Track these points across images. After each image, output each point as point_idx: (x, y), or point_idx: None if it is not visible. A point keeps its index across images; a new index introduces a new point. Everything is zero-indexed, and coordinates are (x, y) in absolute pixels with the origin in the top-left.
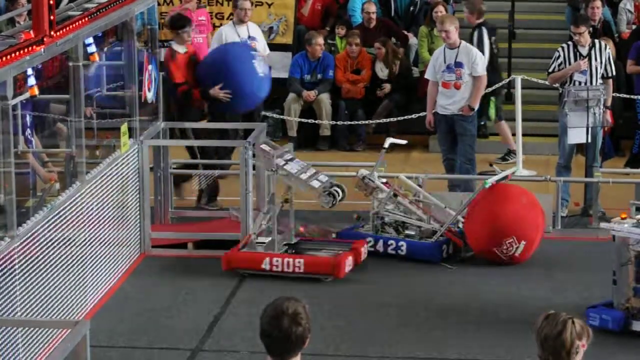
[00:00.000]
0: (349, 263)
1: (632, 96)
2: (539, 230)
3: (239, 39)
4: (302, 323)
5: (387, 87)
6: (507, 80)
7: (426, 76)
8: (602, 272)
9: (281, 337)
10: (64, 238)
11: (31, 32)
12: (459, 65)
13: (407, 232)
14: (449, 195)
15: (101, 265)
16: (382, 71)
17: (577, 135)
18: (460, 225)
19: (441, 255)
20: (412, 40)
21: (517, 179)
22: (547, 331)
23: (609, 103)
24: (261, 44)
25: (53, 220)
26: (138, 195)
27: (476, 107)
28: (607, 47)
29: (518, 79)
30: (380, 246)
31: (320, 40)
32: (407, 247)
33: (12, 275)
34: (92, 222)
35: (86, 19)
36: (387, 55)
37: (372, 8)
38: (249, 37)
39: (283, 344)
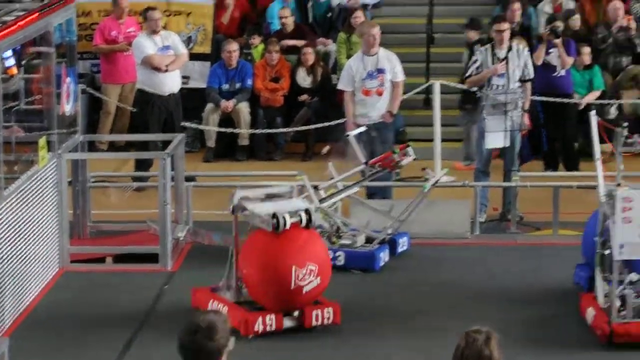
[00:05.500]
0: None
1: (555, 99)
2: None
3: (155, 47)
4: (216, 338)
5: (305, 96)
6: (425, 85)
7: (341, 87)
8: (521, 277)
9: (195, 351)
10: None
11: None
12: (381, 71)
13: (341, 241)
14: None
15: (19, 281)
16: (304, 80)
17: (495, 140)
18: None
19: (379, 263)
20: (331, 46)
21: (436, 186)
22: (467, 352)
23: (527, 106)
24: (177, 52)
25: None
26: (57, 210)
27: (396, 112)
28: (525, 49)
29: (437, 84)
30: None
31: (232, 47)
32: (344, 256)
33: None
34: (11, 238)
35: (4, 31)
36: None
37: (286, 13)
38: (164, 46)
39: (198, 357)
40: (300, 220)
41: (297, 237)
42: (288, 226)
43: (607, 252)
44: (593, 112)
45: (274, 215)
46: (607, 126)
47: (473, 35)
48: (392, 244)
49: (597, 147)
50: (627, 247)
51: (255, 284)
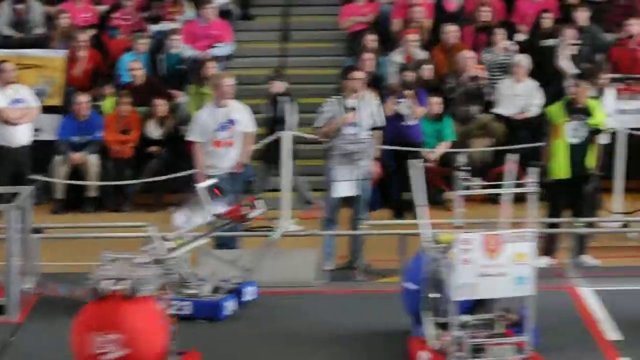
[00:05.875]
0: None
1: (404, 148)
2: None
3: (6, 101)
4: None
5: (155, 148)
6: (274, 136)
7: (191, 138)
8: (367, 324)
9: None
10: None
11: None
12: (232, 122)
13: (187, 291)
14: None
15: None
16: (155, 131)
17: (343, 189)
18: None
19: (224, 312)
20: (182, 98)
21: (284, 235)
22: None
23: (375, 154)
24: (29, 105)
25: None
26: None
27: (246, 162)
28: (374, 97)
29: (285, 135)
30: None
31: (81, 99)
32: (190, 306)
33: None
34: None
35: None
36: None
37: (136, 65)
38: (15, 99)
39: None
40: (123, 288)
41: (110, 305)
42: (105, 292)
43: (434, 295)
44: (414, 161)
45: (94, 281)
46: (446, 172)
47: (278, 87)
48: (238, 293)
49: (421, 194)
50: (465, 288)
51: (73, 348)
